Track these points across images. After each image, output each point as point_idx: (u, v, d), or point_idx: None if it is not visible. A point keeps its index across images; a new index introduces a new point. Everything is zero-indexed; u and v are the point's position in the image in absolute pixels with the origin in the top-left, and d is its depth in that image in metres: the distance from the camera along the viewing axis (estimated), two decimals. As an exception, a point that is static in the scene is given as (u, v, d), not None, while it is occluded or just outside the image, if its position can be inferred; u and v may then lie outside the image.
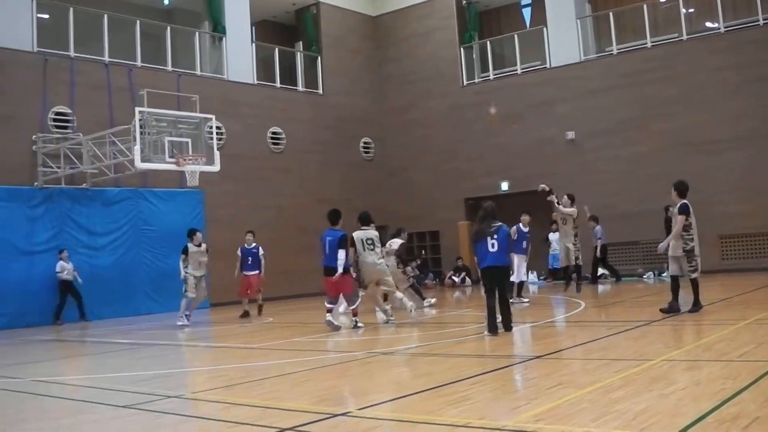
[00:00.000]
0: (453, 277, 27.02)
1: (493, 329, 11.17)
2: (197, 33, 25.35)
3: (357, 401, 6.74)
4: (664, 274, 23.31)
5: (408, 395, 6.90)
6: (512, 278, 17.80)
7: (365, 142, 30.10)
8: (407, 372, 8.54)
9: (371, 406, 6.52)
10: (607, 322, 12.08)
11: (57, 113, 20.79)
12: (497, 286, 11.46)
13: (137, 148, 17.41)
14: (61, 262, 19.92)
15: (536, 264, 25.84)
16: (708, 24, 24.68)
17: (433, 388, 7.18)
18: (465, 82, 29.02)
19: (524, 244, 17.43)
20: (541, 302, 17.74)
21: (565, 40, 26.62)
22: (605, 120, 25.21)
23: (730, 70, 23.10)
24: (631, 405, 5.85)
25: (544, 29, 27.24)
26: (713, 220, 21.58)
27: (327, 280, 13.87)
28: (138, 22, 23.14)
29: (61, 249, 20.04)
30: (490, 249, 11.40)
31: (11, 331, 18.05)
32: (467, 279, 26.81)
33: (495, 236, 11.44)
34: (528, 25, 29.46)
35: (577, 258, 16.59)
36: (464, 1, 29.43)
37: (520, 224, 17.53)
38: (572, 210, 16.98)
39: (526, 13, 29.82)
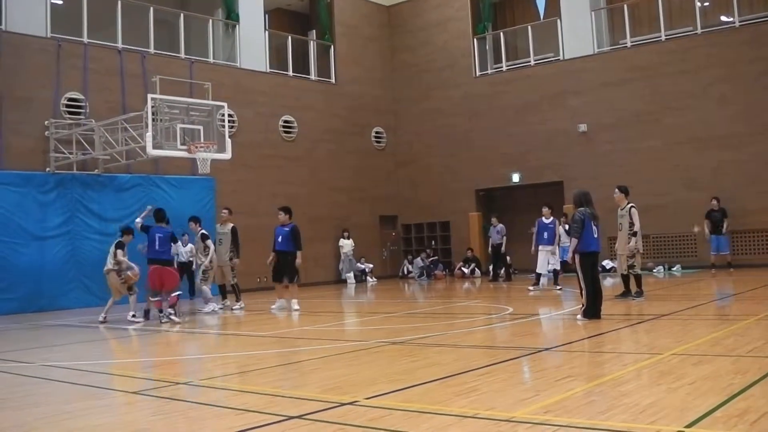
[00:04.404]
0: (463, 268, 26.99)
1: (594, 314, 11.47)
2: (210, 20, 25.33)
3: (365, 390, 6.74)
4: (674, 269, 23.32)
5: (416, 385, 6.91)
6: (538, 269, 18.47)
7: (377, 132, 30.09)
8: (416, 362, 8.54)
9: (379, 395, 6.53)
10: (616, 316, 12.05)
11: (70, 99, 20.83)
12: (595, 271, 11.90)
13: (149, 134, 17.43)
14: (178, 244, 20.78)
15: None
16: (723, 18, 24.53)
17: (442, 378, 7.19)
18: (478, 73, 28.95)
19: (545, 235, 18.14)
20: (552, 294, 17.73)
21: (578, 32, 26.50)
22: (618, 113, 25.12)
23: (746, 63, 22.95)
24: (640, 398, 5.84)
25: (558, 21, 27.13)
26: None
27: (155, 270, 14.65)
28: (151, 8, 23.13)
29: (183, 233, 20.71)
30: (595, 235, 11.79)
31: (22, 315, 18.12)
32: (477, 270, 26.81)
33: (599, 223, 11.92)
34: (542, 16, 29.33)
35: (631, 266, 14.83)
36: (478, -8, 29.37)
37: (542, 217, 18.16)
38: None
39: (540, 4, 29.68)
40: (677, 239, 23.99)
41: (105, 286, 20.29)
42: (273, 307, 16.68)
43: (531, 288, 18.44)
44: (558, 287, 18.24)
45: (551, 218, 18.71)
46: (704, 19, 24.67)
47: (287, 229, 16.52)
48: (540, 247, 18.61)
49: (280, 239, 16.55)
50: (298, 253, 16.45)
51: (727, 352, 7.94)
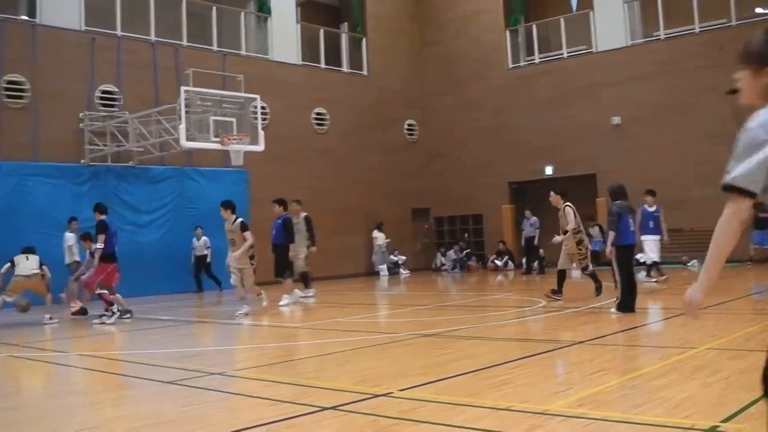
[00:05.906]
0: (495, 261, 26.94)
1: (630, 308, 11.39)
2: (243, 13, 25.44)
3: (398, 382, 6.75)
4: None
5: (449, 377, 6.91)
6: (642, 258, 17.80)
7: (409, 124, 30.06)
8: (449, 354, 8.54)
9: (412, 387, 6.53)
10: (651, 309, 11.97)
11: (104, 91, 21.03)
12: (631, 264, 11.78)
13: (182, 127, 17.55)
14: (193, 239, 21.80)
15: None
16: (758, 10, 24.21)
17: (475, 370, 7.18)
18: (510, 66, 28.83)
19: (651, 224, 17.13)
20: (585, 287, 17.62)
21: (611, 24, 26.30)
22: (651, 106, 24.88)
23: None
24: (674, 393, 5.80)
25: (591, 13, 26.92)
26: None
27: (117, 267, 14.30)
28: (184, 1, 23.27)
29: (196, 226, 21.66)
30: (631, 228, 11.82)
31: (57, 305, 18.28)
32: (510, 263, 26.73)
33: (635, 215, 11.79)
34: (574, 8, 29.09)
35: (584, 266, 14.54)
36: (511, -16, 29.22)
37: (645, 205, 17.34)
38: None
39: (573, -4, 29.46)
40: (712, 233, 23.69)
41: (141, 275, 20.42)
42: (281, 303, 15.82)
43: (654, 279, 17.51)
44: (654, 280, 17.36)
45: (654, 206, 17.46)
46: (739, 10, 24.34)
47: (279, 221, 16.07)
48: (648, 237, 17.31)
49: (274, 232, 16.10)
50: (291, 246, 16.01)
51: (761, 347, 7.82)
